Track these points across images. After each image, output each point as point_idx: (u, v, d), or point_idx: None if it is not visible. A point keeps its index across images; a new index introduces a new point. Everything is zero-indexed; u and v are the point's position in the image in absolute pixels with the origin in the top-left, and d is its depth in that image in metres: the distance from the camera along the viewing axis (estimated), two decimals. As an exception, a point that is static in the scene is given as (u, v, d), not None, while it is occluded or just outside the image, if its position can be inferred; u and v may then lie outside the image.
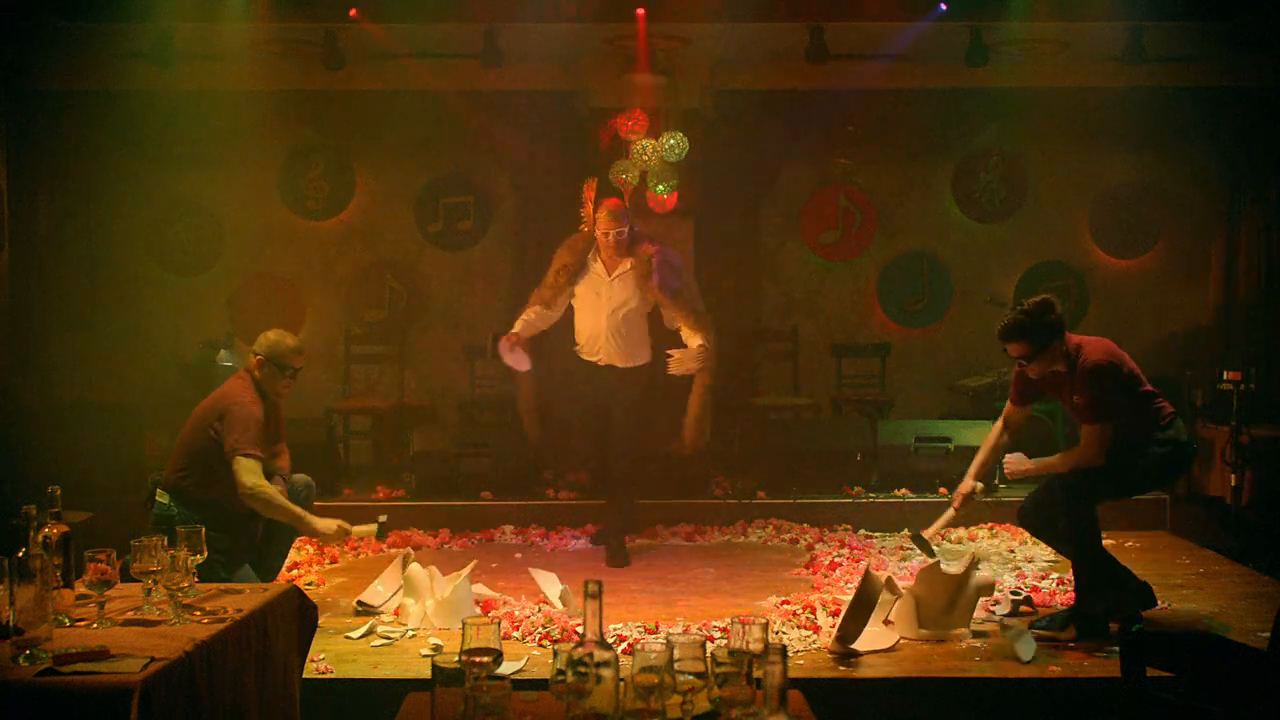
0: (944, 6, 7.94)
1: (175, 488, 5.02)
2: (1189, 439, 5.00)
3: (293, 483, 5.25)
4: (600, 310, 6.39)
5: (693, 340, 6.26)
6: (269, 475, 5.12)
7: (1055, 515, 4.90)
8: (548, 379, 6.89)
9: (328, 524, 5.06)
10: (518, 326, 6.45)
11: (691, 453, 6.67)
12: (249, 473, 4.88)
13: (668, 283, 6.29)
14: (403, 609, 5.16)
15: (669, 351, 6.26)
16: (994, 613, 5.25)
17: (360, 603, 5.34)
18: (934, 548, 5.25)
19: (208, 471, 5.00)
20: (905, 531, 5.64)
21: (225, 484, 4.98)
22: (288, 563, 5.82)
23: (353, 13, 7.96)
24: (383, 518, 5.27)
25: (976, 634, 4.86)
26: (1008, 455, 5.05)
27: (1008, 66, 8.65)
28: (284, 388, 5.20)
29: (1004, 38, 8.38)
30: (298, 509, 5.01)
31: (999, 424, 5.21)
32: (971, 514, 7.13)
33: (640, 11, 8.03)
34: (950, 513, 5.28)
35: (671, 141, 8.01)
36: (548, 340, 6.77)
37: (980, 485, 5.22)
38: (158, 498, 5.05)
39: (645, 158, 8.02)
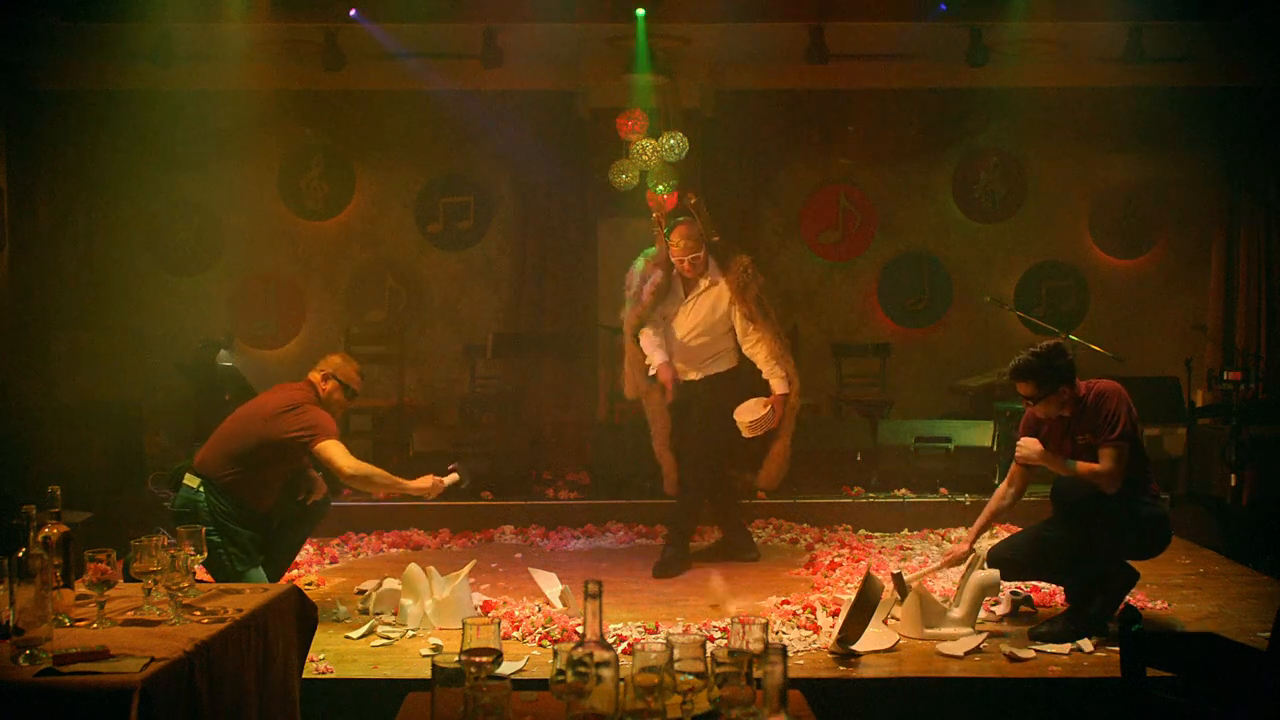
0: (944, 6, 7.95)
1: (215, 479, 5.04)
2: (1169, 517, 4.95)
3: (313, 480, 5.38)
4: (678, 331, 6.19)
5: (772, 379, 6.07)
6: (303, 475, 5.26)
7: (1054, 566, 4.90)
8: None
9: (422, 482, 5.20)
10: (657, 358, 6.18)
11: (771, 489, 6.49)
12: (343, 456, 5.03)
13: (761, 299, 6.07)
14: (401, 609, 5.16)
15: (735, 416, 6.03)
16: (993, 612, 5.25)
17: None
18: (908, 588, 5.14)
19: (259, 470, 5.06)
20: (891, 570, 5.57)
21: (265, 484, 5.07)
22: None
23: (353, 13, 7.97)
24: (452, 466, 5.29)
25: (979, 634, 4.85)
26: (1024, 439, 4.99)
27: (1008, 66, 8.66)
28: (339, 408, 5.38)
29: (1004, 38, 8.38)
30: (398, 481, 5.16)
31: (1004, 484, 5.12)
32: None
33: (640, 11, 8.03)
34: (938, 565, 5.30)
35: (671, 141, 8.01)
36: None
37: (977, 554, 5.10)
38: (186, 482, 5.06)
39: (645, 158, 8.01)
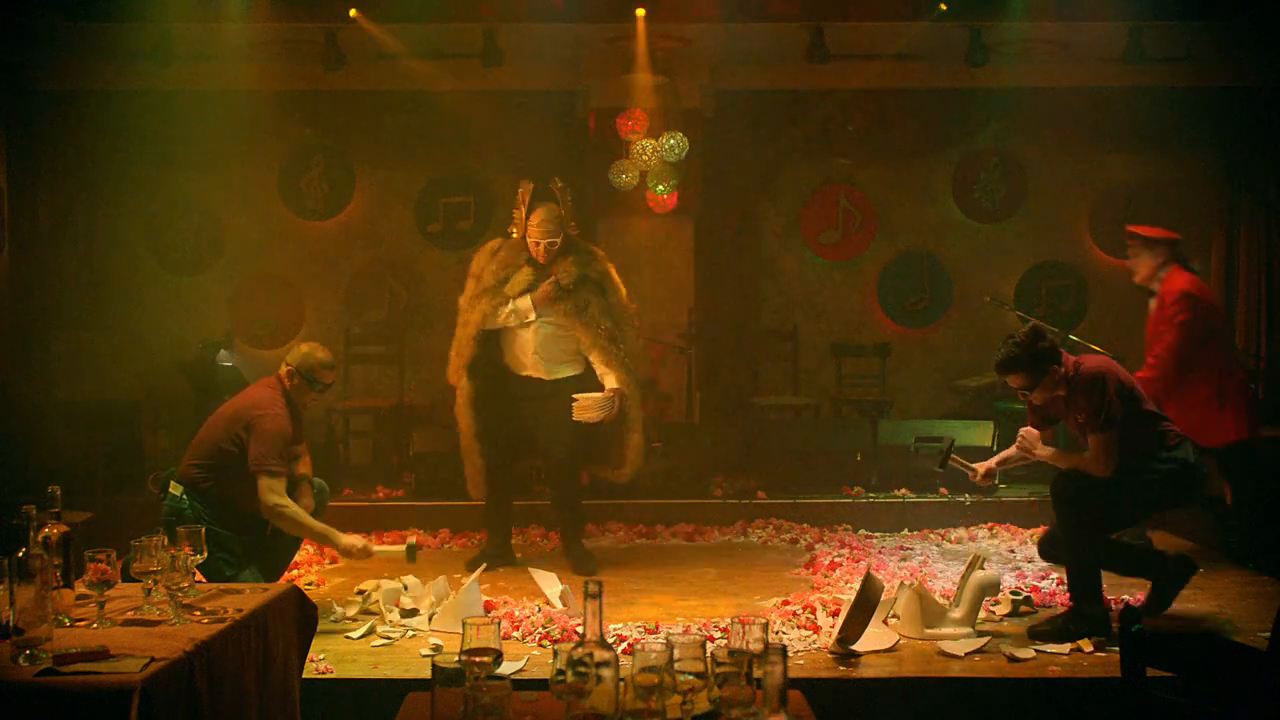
0: (944, 6, 7.96)
1: (191, 482, 5.03)
2: (1198, 461, 4.94)
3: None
4: (529, 317, 6.01)
5: (606, 379, 5.98)
6: (297, 482, 5.20)
7: (1064, 543, 4.93)
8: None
9: (353, 540, 5.11)
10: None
11: (630, 478, 6.37)
12: (272, 491, 4.92)
13: (579, 300, 5.98)
14: (402, 605, 5.17)
15: (574, 397, 5.94)
16: (994, 612, 5.25)
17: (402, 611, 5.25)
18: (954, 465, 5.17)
19: (226, 472, 5.02)
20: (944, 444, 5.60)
21: (241, 486, 5.00)
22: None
23: (353, 13, 7.97)
24: (411, 540, 5.19)
25: (980, 634, 4.86)
26: (1025, 429, 5.04)
27: (1008, 66, 8.66)
28: (312, 401, 5.26)
29: (1004, 38, 8.38)
30: (321, 526, 5.06)
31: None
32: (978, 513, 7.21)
33: (640, 11, 8.03)
34: (972, 468, 5.25)
35: (671, 141, 8.02)
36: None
37: (978, 554, 5.17)
38: (171, 490, 5.06)
39: (645, 158, 8.03)
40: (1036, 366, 4.78)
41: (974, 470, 5.22)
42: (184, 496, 5.02)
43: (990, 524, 7.23)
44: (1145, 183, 9.52)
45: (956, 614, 4.92)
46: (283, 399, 5.12)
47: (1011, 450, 5.17)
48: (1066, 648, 4.68)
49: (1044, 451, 4.95)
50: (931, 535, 7.16)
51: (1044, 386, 4.82)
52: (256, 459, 4.93)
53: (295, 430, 5.17)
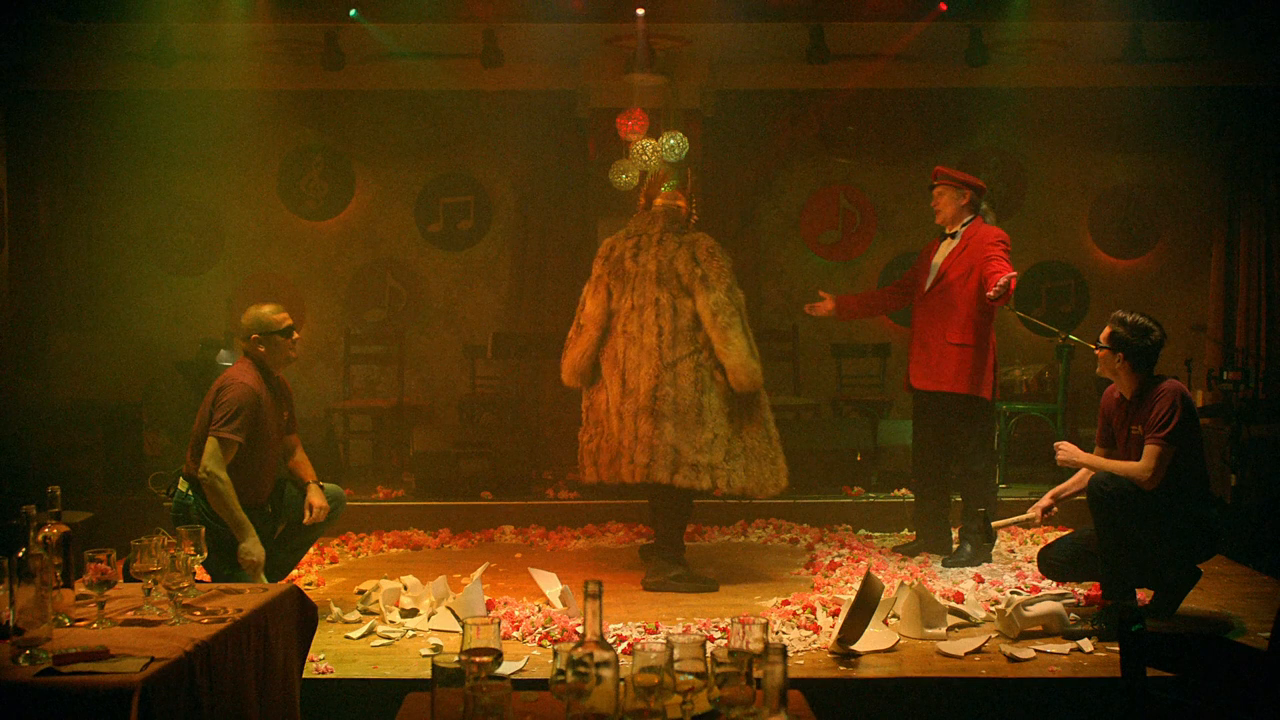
0: (944, 6, 7.96)
1: (193, 477, 5.02)
2: (1224, 519, 5.10)
3: (326, 493, 5.29)
4: None
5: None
6: (302, 482, 5.21)
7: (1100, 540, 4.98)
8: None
9: (256, 550, 4.95)
10: None
11: None
12: (211, 456, 4.87)
13: None
14: (402, 604, 5.16)
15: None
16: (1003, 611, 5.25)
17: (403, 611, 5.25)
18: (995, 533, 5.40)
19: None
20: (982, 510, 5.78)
21: (239, 477, 4.97)
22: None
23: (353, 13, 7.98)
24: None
25: (981, 632, 4.86)
26: (1060, 442, 5.17)
27: (1008, 66, 8.66)
28: (289, 348, 5.18)
29: (1004, 38, 8.39)
30: (242, 517, 4.92)
31: (1081, 471, 5.25)
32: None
33: (640, 11, 8.04)
34: (1024, 516, 5.40)
35: (671, 141, 8.01)
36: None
37: (1055, 509, 5.30)
38: (179, 485, 5.06)
39: (645, 158, 8.02)
40: (1114, 339, 4.95)
41: (1028, 520, 5.36)
42: (189, 492, 5.02)
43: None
44: (1145, 183, 9.53)
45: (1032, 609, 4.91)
46: (254, 369, 5.10)
47: (1067, 483, 5.26)
48: (1067, 647, 4.68)
49: (1087, 457, 5.07)
50: (931, 535, 7.14)
51: (1107, 363, 4.98)
52: (214, 421, 4.91)
53: (273, 401, 5.13)
